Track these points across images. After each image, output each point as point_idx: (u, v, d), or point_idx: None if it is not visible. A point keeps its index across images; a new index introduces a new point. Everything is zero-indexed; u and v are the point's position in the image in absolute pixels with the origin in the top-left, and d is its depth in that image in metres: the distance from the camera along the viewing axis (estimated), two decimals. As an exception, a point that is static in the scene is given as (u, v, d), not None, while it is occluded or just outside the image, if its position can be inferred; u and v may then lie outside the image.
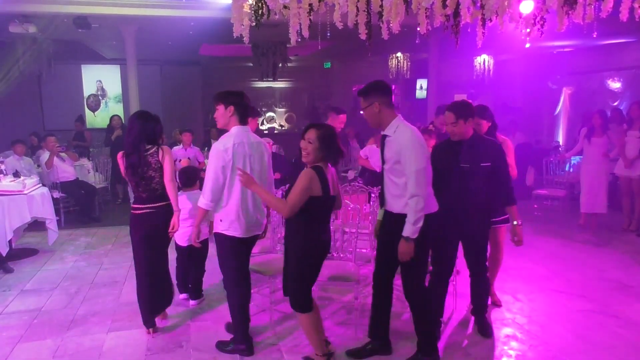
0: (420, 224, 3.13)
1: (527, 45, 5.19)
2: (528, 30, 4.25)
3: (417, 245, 3.17)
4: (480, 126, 4.04)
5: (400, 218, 3.19)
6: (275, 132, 15.35)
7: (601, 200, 6.93)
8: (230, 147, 3.46)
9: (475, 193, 3.66)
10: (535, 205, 7.94)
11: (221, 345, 3.73)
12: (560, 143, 12.25)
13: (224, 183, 3.47)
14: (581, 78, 12.91)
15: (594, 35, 4.32)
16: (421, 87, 15.55)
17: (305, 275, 3.22)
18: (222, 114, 3.59)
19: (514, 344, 3.78)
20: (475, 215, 3.71)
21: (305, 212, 3.12)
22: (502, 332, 3.97)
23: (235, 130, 3.57)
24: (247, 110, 3.67)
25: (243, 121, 3.62)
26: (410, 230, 3.13)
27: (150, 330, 3.97)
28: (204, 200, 3.51)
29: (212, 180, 3.45)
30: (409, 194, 3.13)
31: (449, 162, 3.66)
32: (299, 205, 3.08)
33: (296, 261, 3.20)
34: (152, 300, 3.98)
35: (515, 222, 3.80)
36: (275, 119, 16.41)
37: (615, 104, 11.85)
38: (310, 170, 3.12)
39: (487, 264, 3.96)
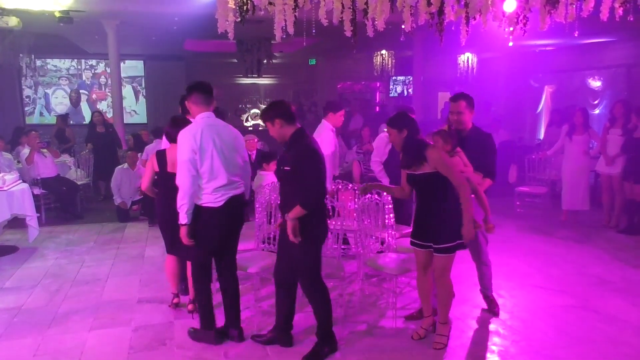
0: (184, 211, 3.45)
1: (510, 44, 5.25)
2: (511, 28, 4.30)
3: (196, 234, 3.53)
4: (391, 136, 3.64)
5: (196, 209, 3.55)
6: (260, 128, 15.26)
7: (582, 197, 7.03)
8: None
9: (285, 198, 3.46)
10: (518, 202, 8.02)
11: None
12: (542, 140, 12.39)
13: None
14: (563, 76, 13.09)
15: (576, 35, 4.38)
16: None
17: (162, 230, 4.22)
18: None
19: (496, 339, 3.82)
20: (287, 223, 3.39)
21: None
22: (485, 328, 4.01)
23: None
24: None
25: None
26: (180, 216, 3.49)
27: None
28: None
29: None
30: None
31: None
32: (147, 179, 4.17)
33: None
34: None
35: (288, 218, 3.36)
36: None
37: (596, 102, 12.04)
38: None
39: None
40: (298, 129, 3.42)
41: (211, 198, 3.50)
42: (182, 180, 3.42)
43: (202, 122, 3.51)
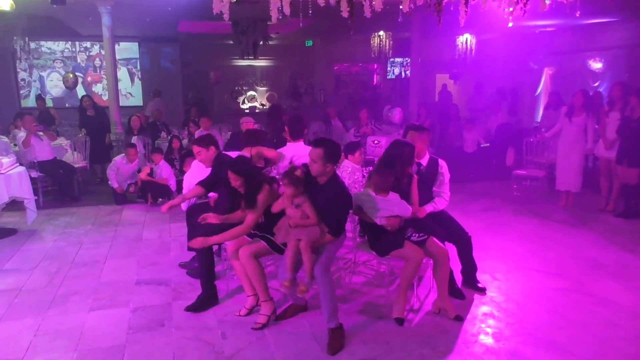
0: None
1: (510, 25, 5.18)
2: (511, 9, 4.27)
3: None
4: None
5: None
6: (257, 111, 15.23)
7: (575, 178, 7.01)
8: None
9: None
10: (515, 186, 8.02)
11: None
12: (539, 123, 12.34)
13: None
14: (563, 58, 12.99)
15: (577, 15, 4.33)
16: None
17: None
18: None
19: (491, 321, 3.86)
20: None
21: None
22: (479, 310, 4.04)
23: None
24: None
25: None
26: None
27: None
28: None
29: None
30: None
31: None
32: None
33: None
34: None
35: None
36: (257, 98, 16.26)
37: (596, 84, 11.96)
38: None
39: None
40: None
41: None
42: None
43: None
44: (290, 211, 3.55)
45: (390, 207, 3.75)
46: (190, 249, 4.40)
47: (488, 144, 9.75)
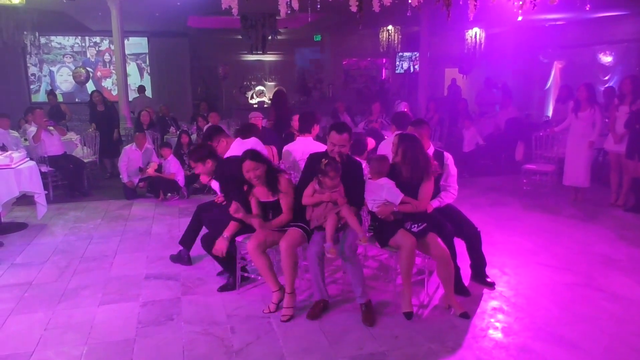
0: None
1: (519, 18, 5.13)
2: (520, 2, 4.23)
3: None
4: None
5: None
6: (265, 106, 15.24)
7: (584, 174, 6.95)
8: None
9: None
10: (525, 180, 7.97)
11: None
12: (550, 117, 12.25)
13: None
14: (572, 52, 12.89)
15: (587, 8, 4.30)
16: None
17: None
18: None
19: (500, 316, 3.84)
20: None
21: None
22: (489, 304, 4.03)
23: None
24: None
25: None
26: None
27: None
28: None
29: None
30: None
31: None
32: None
33: None
34: None
35: None
36: (265, 93, 16.26)
37: (606, 78, 11.85)
38: None
39: None
40: None
41: None
42: None
43: None
44: (334, 195, 3.79)
45: (377, 191, 3.86)
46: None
47: (485, 143, 9.60)
